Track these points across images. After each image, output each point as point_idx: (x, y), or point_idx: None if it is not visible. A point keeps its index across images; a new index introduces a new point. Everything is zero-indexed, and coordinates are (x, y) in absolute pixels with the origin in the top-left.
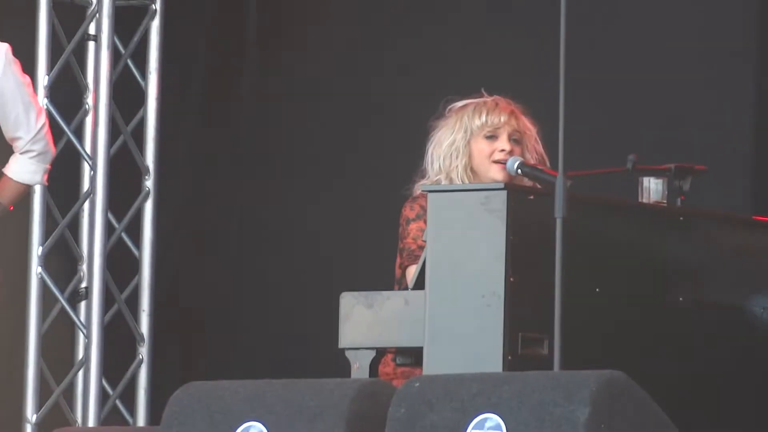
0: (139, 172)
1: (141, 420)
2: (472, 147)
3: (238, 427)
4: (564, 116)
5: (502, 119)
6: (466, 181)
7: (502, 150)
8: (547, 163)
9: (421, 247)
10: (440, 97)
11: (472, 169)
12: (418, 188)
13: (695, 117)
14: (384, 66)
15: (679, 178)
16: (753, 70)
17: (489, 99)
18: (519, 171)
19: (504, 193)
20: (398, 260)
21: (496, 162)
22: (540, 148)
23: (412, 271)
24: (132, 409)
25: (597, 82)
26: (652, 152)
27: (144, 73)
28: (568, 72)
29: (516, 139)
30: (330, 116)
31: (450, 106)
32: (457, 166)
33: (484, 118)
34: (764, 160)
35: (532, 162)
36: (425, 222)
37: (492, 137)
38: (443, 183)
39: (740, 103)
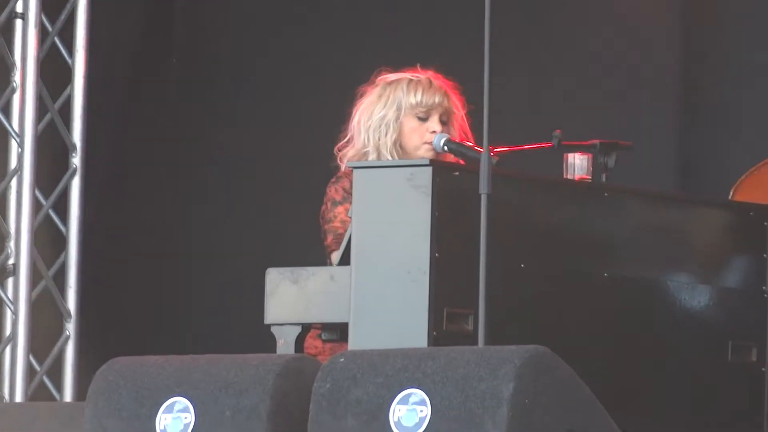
0: (67, 149)
1: (68, 396)
2: (403, 124)
3: (164, 402)
4: (489, 92)
5: (437, 100)
6: (395, 157)
7: (433, 132)
8: (471, 142)
9: None
10: (363, 78)
11: (401, 146)
12: (344, 161)
13: (621, 93)
14: (305, 41)
15: (604, 154)
16: (679, 47)
17: (424, 76)
18: (445, 147)
19: (429, 169)
20: (323, 238)
21: (426, 144)
22: (466, 126)
23: (335, 258)
24: (59, 385)
25: (522, 58)
26: (578, 128)
27: (71, 50)
28: (494, 47)
29: (444, 120)
30: (256, 95)
31: (382, 77)
32: (386, 142)
33: (419, 98)
34: (689, 136)
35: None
36: (351, 204)
37: (423, 118)
38: (371, 156)
39: (665, 80)
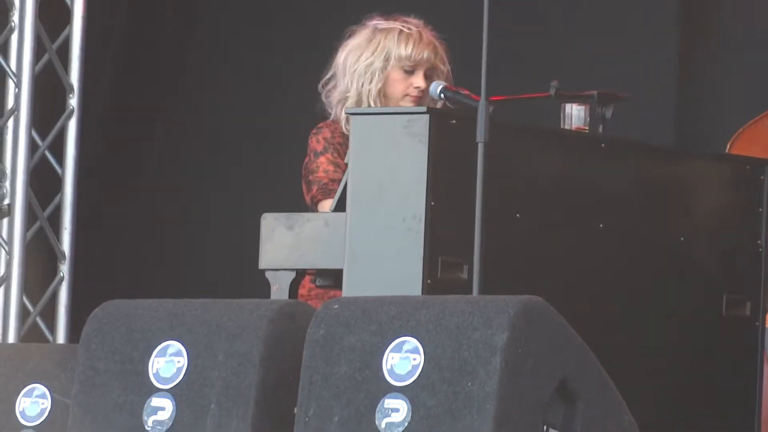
0: (64, 90)
1: (61, 338)
2: (389, 74)
3: (157, 346)
4: (488, 40)
5: (425, 56)
6: (378, 106)
7: (417, 87)
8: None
9: (334, 180)
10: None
11: (385, 95)
12: (329, 101)
13: (619, 44)
14: None
15: (602, 105)
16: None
17: (415, 29)
18: (441, 95)
19: (426, 117)
20: (305, 191)
21: (409, 96)
22: (450, 82)
23: (326, 206)
24: (52, 326)
25: (522, 7)
26: (576, 79)
27: None
28: None
29: (428, 74)
30: (255, 39)
31: (373, 22)
32: (370, 90)
33: (408, 51)
34: (686, 90)
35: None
36: (333, 153)
37: (410, 71)
38: (350, 102)
39: (664, 32)
